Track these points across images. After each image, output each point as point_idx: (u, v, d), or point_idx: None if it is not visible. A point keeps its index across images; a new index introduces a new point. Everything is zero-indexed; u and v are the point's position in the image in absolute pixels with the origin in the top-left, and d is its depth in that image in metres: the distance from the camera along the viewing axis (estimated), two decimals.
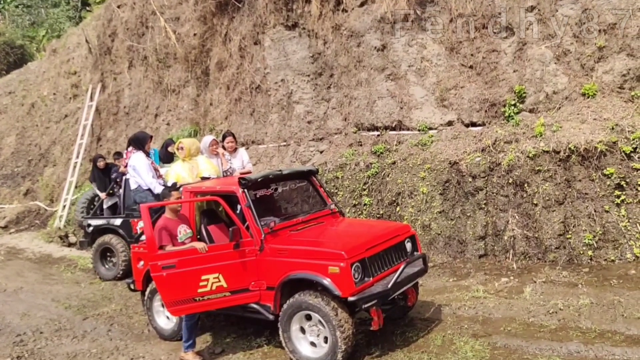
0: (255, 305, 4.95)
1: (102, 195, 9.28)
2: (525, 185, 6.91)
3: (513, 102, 7.53)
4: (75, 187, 12.82)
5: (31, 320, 6.67)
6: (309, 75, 9.44)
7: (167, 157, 9.24)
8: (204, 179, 6.30)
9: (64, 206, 12.44)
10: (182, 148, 6.60)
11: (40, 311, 7.02)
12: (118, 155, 9.63)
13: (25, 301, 7.53)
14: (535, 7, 7.47)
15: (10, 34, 26.64)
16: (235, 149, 7.33)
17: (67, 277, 8.85)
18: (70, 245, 11.09)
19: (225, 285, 4.91)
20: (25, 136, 16.47)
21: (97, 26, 14.51)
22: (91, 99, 13.78)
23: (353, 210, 8.14)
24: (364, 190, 8.19)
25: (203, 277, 4.83)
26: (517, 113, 7.51)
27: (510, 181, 7.03)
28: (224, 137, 7.35)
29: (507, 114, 7.56)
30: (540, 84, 7.45)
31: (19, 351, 5.66)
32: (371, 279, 4.59)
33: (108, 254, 8.67)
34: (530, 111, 7.48)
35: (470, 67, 7.99)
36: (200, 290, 4.83)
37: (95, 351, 5.52)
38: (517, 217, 6.92)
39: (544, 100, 7.40)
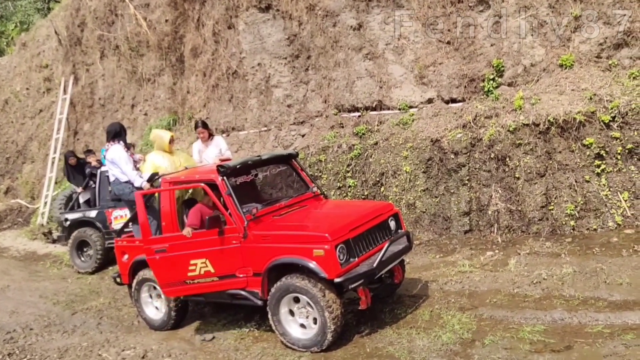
0: (243, 292, 4.95)
1: (80, 189, 9.27)
2: (507, 159, 6.96)
3: (492, 77, 7.54)
4: (55, 182, 12.64)
5: (20, 317, 6.66)
6: (285, 58, 9.33)
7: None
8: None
9: (45, 203, 12.28)
10: (172, 141, 6.51)
11: (28, 308, 7.01)
12: (89, 152, 9.62)
13: (13, 299, 7.50)
14: None
15: None
16: (210, 137, 7.22)
17: (54, 274, 8.85)
18: (54, 241, 10.97)
19: (212, 270, 4.99)
20: (1, 133, 16.13)
21: (66, 17, 14.12)
22: (64, 92, 13.50)
23: (338, 193, 8.14)
24: (348, 172, 8.19)
25: (191, 262, 5.01)
26: (496, 87, 7.53)
27: (492, 156, 7.08)
28: (195, 127, 7.28)
29: (486, 89, 7.58)
30: (517, 57, 7.46)
31: (10, 348, 5.64)
32: (356, 259, 4.61)
33: (84, 247, 8.76)
34: (509, 85, 7.49)
35: (448, 42, 7.95)
36: (190, 274, 5.03)
37: (86, 345, 5.51)
38: (500, 191, 6.99)
39: (522, 73, 7.41)
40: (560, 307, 4.75)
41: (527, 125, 6.88)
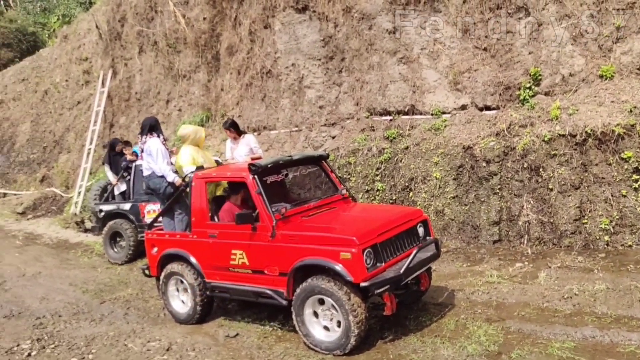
0: (268, 291, 4.98)
1: (114, 180, 9.44)
2: (541, 169, 6.82)
3: (528, 85, 7.40)
4: (90, 173, 12.96)
5: (50, 304, 6.80)
6: (320, 60, 9.36)
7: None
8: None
9: (79, 192, 12.60)
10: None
11: (58, 295, 7.16)
12: (126, 144, 9.78)
13: (43, 285, 7.68)
14: None
15: (22, 21, 26.79)
16: (241, 135, 7.36)
17: (84, 262, 9.02)
18: (86, 231, 11.25)
19: (247, 263, 5.09)
20: (39, 123, 16.64)
21: (107, 11, 14.49)
22: (103, 85, 13.84)
23: (366, 196, 8.11)
24: (377, 175, 8.15)
25: (233, 251, 5.15)
26: (533, 96, 7.38)
27: (525, 166, 6.94)
28: (224, 126, 7.46)
29: (522, 97, 7.44)
30: (556, 66, 7.30)
31: (39, 334, 5.78)
32: (383, 264, 4.59)
33: (117, 238, 8.92)
34: (546, 94, 7.34)
35: (485, 49, 7.84)
36: (231, 262, 5.19)
37: (112, 334, 5.61)
38: (532, 202, 6.84)
39: (560, 83, 7.25)
40: (591, 324, 4.62)
41: (563, 135, 6.72)
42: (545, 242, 6.68)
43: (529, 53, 7.50)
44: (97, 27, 14.44)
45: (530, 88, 7.40)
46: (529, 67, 7.43)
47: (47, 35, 25.76)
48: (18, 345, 5.49)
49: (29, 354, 5.28)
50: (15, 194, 15.78)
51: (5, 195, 16.18)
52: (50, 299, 7.00)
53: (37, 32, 26.58)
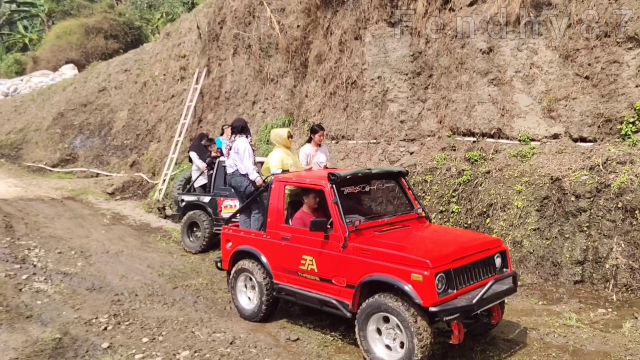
0: (334, 301, 4.99)
1: (203, 165, 9.84)
2: (637, 211, 6.31)
3: (632, 120, 6.90)
4: (175, 163, 13.67)
5: (128, 283, 7.20)
6: (407, 74, 9.29)
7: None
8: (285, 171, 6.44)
9: (164, 180, 13.31)
10: (291, 137, 6.92)
11: (136, 275, 7.57)
12: (210, 141, 10.16)
13: (124, 264, 8.15)
14: None
15: (130, 15, 28.93)
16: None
17: (162, 247, 9.46)
18: (166, 217, 11.83)
19: (316, 269, 5.13)
20: (135, 112, 17.79)
21: (208, 13, 15.27)
22: (197, 82, 14.57)
23: (439, 217, 7.92)
24: (453, 197, 7.94)
25: (304, 256, 5.22)
26: (636, 132, 6.87)
27: (619, 205, 6.46)
28: (315, 131, 7.34)
29: (623, 132, 6.95)
30: None
31: (116, 309, 6.14)
32: (455, 291, 4.45)
33: (194, 228, 9.29)
34: None
35: (586, 77, 7.41)
36: (301, 266, 5.26)
37: (182, 319, 5.84)
38: (622, 245, 6.35)
39: None
40: None
41: None
42: (634, 290, 6.16)
43: (636, 86, 6.99)
44: (197, 27, 15.24)
45: (633, 123, 6.90)
46: (634, 100, 6.93)
47: (150, 31, 27.62)
48: (96, 318, 5.86)
49: (105, 328, 5.61)
50: (107, 175, 16.95)
51: (98, 175, 17.42)
52: (129, 278, 7.40)
53: (142, 26, 28.58)
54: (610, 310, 5.82)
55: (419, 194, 8.11)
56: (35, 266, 7.74)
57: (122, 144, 17.70)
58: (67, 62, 26.31)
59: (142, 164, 16.20)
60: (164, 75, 17.04)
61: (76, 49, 26.47)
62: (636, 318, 5.53)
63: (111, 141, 18.20)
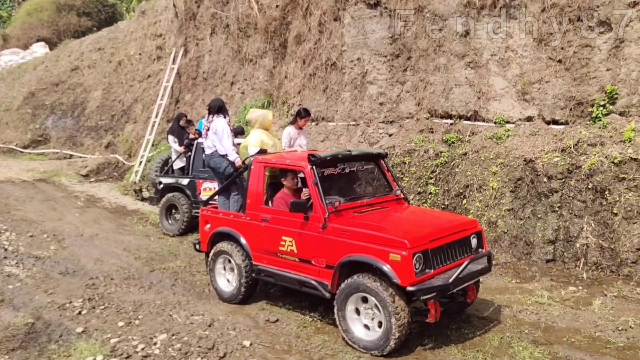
0: (313, 281, 5.04)
1: (180, 148, 9.71)
2: (606, 192, 6.51)
3: (602, 103, 7.06)
4: (152, 145, 13.46)
5: (103, 266, 7.09)
6: (385, 56, 9.28)
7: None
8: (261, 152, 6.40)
9: (140, 162, 13.11)
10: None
11: (112, 258, 7.46)
12: (189, 122, 10.01)
13: (99, 247, 8.02)
14: (638, 2, 6.89)
15: None
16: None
17: (139, 230, 9.34)
18: (143, 199, 11.67)
19: (295, 250, 5.16)
20: (110, 92, 17.39)
21: None
22: (173, 62, 14.29)
23: (417, 198, 8.02)
24: (431, 178, 8.04)
25: (283, 237, 5.24)
26: (606, 115, 7.04)
27: (589, 186, 6.65)
28: (301, 115, 7.23)
29: (594, 115, 7.11)
30: (635, 86, 6.92)
31: (91, 293, 6.04)
32: (432, 271, 4.54)
33: (173, 210, 9.19)
34: (621, 114, 6.99)
35: (559, 61, 7.53)
36: (280, 248, 5.28)
37: (159, 303, 5.78)
38: (593, 224, 6.56)
39: (637, 104, 6.88)
40: None
41: (635, 159, 6.39)
42: (603, 268, 6.39)
43: (607, 70, 7.15)
44: (174, 5, 14.88)
45: (604, 106, 7.06)
46: (605, 84, 7.09)
47: (125, 8, 26.85)
48: (70, 303, 5.75)
49: (80, 312, 5.51)
50: (80, 157, 16.61)
51: (71, 156, 17.06)
52: (104, 261, 7.29)
53: (116, 3, 27.74)
54: (580, 288, 6.03)
55: (398, 175, 8.19)
56: (6, 250, 7.58)
57: (96, 125, 17.33)
58: (38, 40, 25.44)
59: (117, 146, 15.91)
60: (140, 54, 16.67)
61: (47, 27, 25.60)
62: (605, 295, 5.75)
63: (85, 122, 17.79)
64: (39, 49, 24.53)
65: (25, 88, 20.31)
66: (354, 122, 9.61)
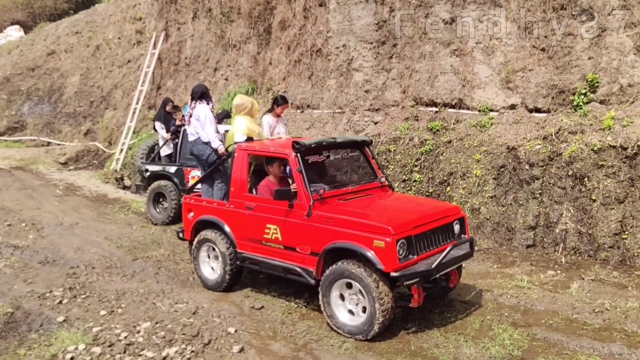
0: (298, 268, 5.06)
1: (167, 135, 9.55)
2: (586, 179, 6.63)
3: (584, 91, 7.16)
4: (133, 132, 13.25)
5: (84, 255, 7.00)
6: (371, 43, 9.25)
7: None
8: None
9: (122, 150, 12.91)
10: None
11: (93, 247, 7.36)
12: (175, 108, 9.84)
13: (79, 236, 7.91)
14: None
15: None
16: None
17: (121, 218, 9.21)
18: (125, 188, 11.52)
19: (280, 238, 5.16)
20: (89, 77, 17.00)
21: None
22: (154, 46, 14.02)
23: (402, 186, 8.07)
24: (416, 166, 8.09)
25: (268, 225, 5.22)
26: (587, 103, 7.15)
27: (569, 173, 6.77)
28: (278, 102, 7.12)
29: (575, 103, 7.21)
30: (615, 75, 7.03)
31: (72, 282, 5.96)
32: (415, 256, 4.58)
33: (160, 199, 9.04)
34: (601, 102, 7.10)
35: (542, 49, 7.61)
36: (265, 235, 5.27)
37: (142, 291, 5.74)
38: (572, 210, 6.68)
39: (617, 92, 7.00)
40: (620, 341, 4.52)
41: (614, 147, 6.52)
42: (581, 253, 6.53)
43: (589, 58, 7.24)
44: None
45: (585, 94, 7.17)
46: (586, 72, 7.18)
47: None
48: (51, 292, 5.67)
49: (60, 301, 5.44)
50: (59, 144, 16.28)
51: (49, 144, 16.70)
52: (85, 250, 7.19)
53: None
54: (559, 272, 6.16)
55: (383, 163, 8.22)
56: None
57: (74, 111, 16.96)
58: (12, 24, 24.70)
59: (97, 133, 15.63)
60: (119, 38, 16.31)
61: (22, 9, 24.86)
62: (583, 279, 5.88)
63: (62, 108, 17.39)
64: (14, 33, 23.84)
65: (0, 73, 19.76)
66: (340, 110, 9.58)
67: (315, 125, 9.64)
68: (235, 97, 6.82)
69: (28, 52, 19.75)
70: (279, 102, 7.15)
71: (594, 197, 6.54)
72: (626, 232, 6.31)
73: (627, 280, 5.77)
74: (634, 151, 6.37)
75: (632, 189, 6.38)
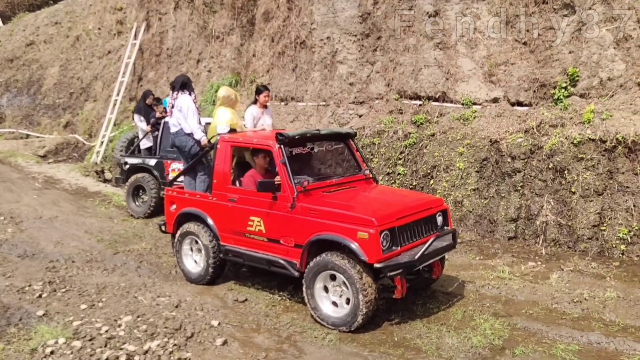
0: (282, 261, 5.05)
1: (147, 127, 9.43)
2: (565, 172, 6.73)
3: (564, 85, 7.25)
4: (114, 124, 13.05)
5: (64, 249, 6.90)
6: (355, 35, 9.23)
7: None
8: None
9: (102, 142, 12.72)
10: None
11: (73, 241, 7.27)
12: (157, 101, 9.72)
13: (59, 230, 7.80)
14: None
15: None
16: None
17: (101, 212, 9.11)
18: (105, 181, 11.36)
19: (264, 230, 5.14)
20: (68, 68, 16.69)
21: None
22: (135, 37, 13.79)
23: (386, 179, 8.10)
24: (400, 159, 8.12)
25: (251, 217, 5.20)
26: (567, 96, 7.24)
27: (550, 166, 6.86)
28: (260, 91, 7.07)
29: (556, 97, 7.30)
30: (595, 69, 7.13)
31: (51, 276, 5.87)
32: (399, 248, 4.61)
33: (140, 192, 8.95)
34: (581, 96, 7.19)
35: (524, 43, 7.68)
36: (248, 228, 5.25)
37: (124, 285, 5.69)
38: (552, 203, 6.78)
39: (597, 86, 7.10)
40: (598, 330, 4.62)
41: (593, 140, 6.62)
42: (561, 244, 6.64)
43: (569, 52, 7.32)
44: None
45: (565, 88, 7.25)
46: (567, 66, 7.27)
47: None
48: (30, 286, 5.59)
49: (40, 295, 5.37)
50: (38, 137, 15.98)
51: (28, 136, 16.40)
52: (64, 244, 7.11)
53: None
54: (539, 263, 6.25)
55: (367, 156, 8.23)
56: None
57: (54, 103, 16.65)
58: None
59: (77, 125, 15.37)
60: (99, 29, 16.02)
61: None
62: (562, 270, 5.99)
63: (42, 100, 17.06)
64: None
65: None
66: (324, 103, 9.56)
67: (300, 117, 9.61)
68: (221, 89, 6.75)
69: (6, 42, 19.30)
70: (260, 90, 7.11)
71: (573, 190, 6.64)
72: (604, 224, 6.42)
73: (605, 271, 5.89)
74: (613, 144, 6.48)
75: (611, 182, 6.50)
